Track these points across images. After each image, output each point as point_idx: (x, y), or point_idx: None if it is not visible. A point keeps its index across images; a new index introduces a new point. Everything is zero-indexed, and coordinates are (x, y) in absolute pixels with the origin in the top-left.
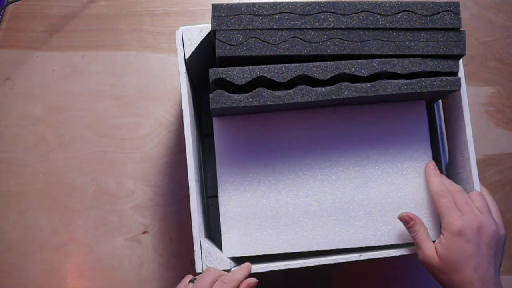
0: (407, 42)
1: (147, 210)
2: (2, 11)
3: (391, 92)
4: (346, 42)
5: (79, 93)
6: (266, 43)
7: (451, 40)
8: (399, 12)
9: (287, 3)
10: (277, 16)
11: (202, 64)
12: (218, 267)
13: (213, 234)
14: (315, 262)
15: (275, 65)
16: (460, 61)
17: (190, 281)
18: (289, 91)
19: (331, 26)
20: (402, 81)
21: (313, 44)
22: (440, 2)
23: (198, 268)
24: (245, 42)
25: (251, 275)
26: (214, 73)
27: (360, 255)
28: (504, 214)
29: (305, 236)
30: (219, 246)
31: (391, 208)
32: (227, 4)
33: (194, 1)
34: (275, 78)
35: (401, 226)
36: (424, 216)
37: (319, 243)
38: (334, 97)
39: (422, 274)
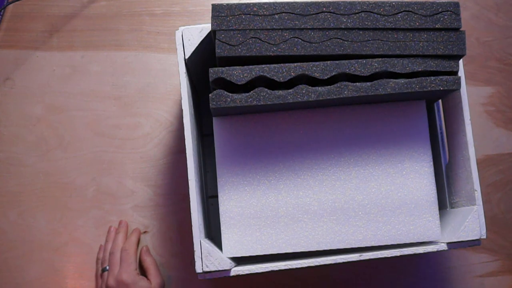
0: (407, 42)
1: (147, 210)
2: (2, 11)
3: (391, 91)
4: (346, 42)
5: (79, 93)
6: (266, 43)
7: (451, 40)
8: (399, 12)
9: (287, 3)
10: (277, 16)
11: (202, 64)
12: (218, 267)
13: (213, 234)
14: (315, 262)
15: (275, 65)
16: (460, 61)
17: (102, 270)
18: (289, 90)
19: (331, 26)
20: (402, 80)
21: (313, 44)
22: (440, 2)
23: (198, 268)
24: (245, 42)
25: (251, 275)
26: (214, 72)
27: (360, 255)
28: (504, 214)
29: (305, 236)
30: (219, 246)
31: (391, 208)
32: (227, 4)
33: (194, 1)
34: (275, 78)
35: (401, 226)
36: (424, 216)
37: (319, 243)
38: (334, 97)
39: (422, 275)
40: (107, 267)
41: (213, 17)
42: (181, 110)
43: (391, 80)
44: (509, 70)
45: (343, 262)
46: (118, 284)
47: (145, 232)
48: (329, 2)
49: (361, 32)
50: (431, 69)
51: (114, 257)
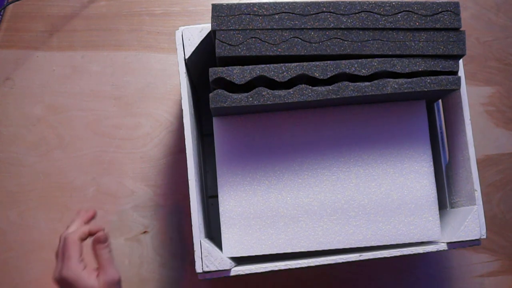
0: (407, 42)
1: (147, 210)
2: (2, 11)
3: (391, 91)
4: (346, 42)
5: (79, 93)
6: (266, 43)
7: (451, 40)
8: (399, 12)
9: (287, 3)
10: (277, 16)
11: (202, 64)
12: (218, 267)
13: (213, 234)
14: (315, 262)
15: (275, 65)
16: (460, 61)
17: None
18: (289, 90)
19: (331, 26)
20: (402, 80)
21: (313, 44)
22: (440, 2)
23: (198, 268)
24: (245, 42)
25: (251, 275)
26: (214, 72)
27: (360, 255)
28: (504, 214)
29: (305, 236)
30: (219, 246)
31: (391, 208)
32: (227, 4)
33: (194, 1)
34: (275, 78)
35: (401, 226)
36: (424, 216)
37: (319, 243)
38: (334, 97)
39: (422, 275)
40: None
41: (213, 17)
42: (181, 110)
43: (391, 80)
44: (509, 70)
45: (343, 262)
46: (62, 280)
47: (145, 232)
48: (329, 2)
49: (361, 32)
50: (431, 69)
51: (58, 248)
